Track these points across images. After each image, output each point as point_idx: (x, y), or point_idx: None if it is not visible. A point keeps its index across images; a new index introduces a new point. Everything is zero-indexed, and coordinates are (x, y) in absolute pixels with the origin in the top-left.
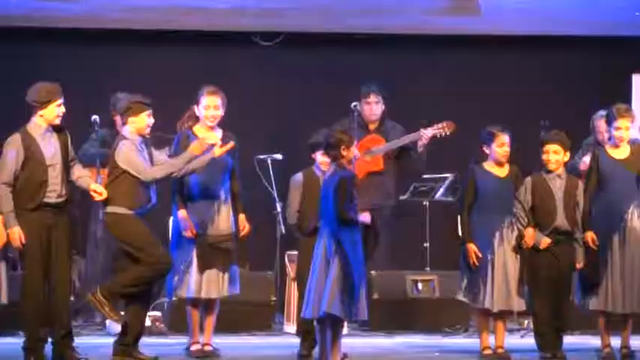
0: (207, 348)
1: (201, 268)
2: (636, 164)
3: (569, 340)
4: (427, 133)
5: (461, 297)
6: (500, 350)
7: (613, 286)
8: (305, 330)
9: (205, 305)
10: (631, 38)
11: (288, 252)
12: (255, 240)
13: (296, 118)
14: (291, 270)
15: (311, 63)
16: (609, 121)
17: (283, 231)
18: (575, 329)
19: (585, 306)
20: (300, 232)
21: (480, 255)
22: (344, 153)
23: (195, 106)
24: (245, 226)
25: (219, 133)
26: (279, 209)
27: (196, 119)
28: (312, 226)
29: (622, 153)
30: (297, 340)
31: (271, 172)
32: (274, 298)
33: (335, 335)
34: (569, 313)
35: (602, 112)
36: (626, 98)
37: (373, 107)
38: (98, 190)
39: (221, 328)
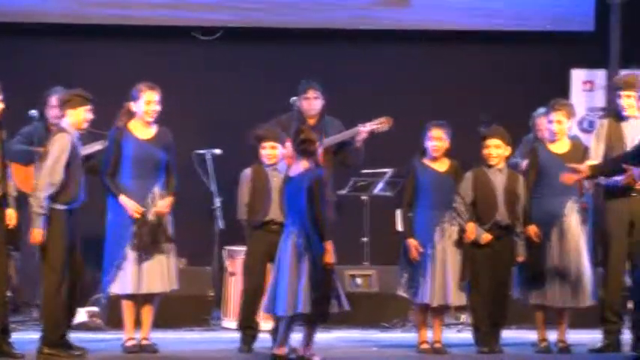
0: (144, 343)
1: (139, 263)
2: (575, 159)
3: (507, 334)
4: (365, 128)
5: (401, 292)
6: (437, 345)
7: (551, 280)
8: (246, 325)
9: (144, 300)
10: (570, 33)
11: (227, 247)
12: (194, 235)
13: (235, 113)
14: (229, 265)
15: (250, 58)
16: (547, 117)
17: (222, 226)
18: (512, 324)
19: (525, 300)
20: (250, 227)
21: (421, 250)
22: (315, 148)
23: (132, 102)
24: (165, 207)
25: (154, 129)
26: (217, 204)
27: (130, 115)
28: (262, 220)
29: (561, 148)
30: (234, 335)
31: (210, 167)
32: (212, 293)
33: (310, 333)
34: (507, 308)
35: (542, 110)
36: (566, 93)
37: (312, 102)
38: None
39: (158, 324)
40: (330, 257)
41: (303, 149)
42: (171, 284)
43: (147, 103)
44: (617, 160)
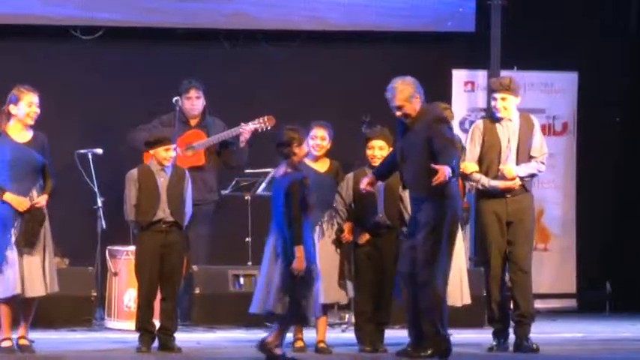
0: (22, 342)
1: (20, 265)
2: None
3: (390, 334)
4: (248, 127)
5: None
6: (321, 345)
7: None
8: (142, 327)
9: (21, 301)
10: (451, 34)
11: (109, 247)
12: (76, 234)
13: (117, 112)
14: (112, 265)
15: (132, 57)
16: None
17: (104, 225)
18: (396, 323)
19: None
20: (138, 227)
21: None
22: (296, 151)
23: (12, 105)
24: (39, 202)
25: (30, 133)
26: (100, 204)
27: (8, 119)
28: (151, 220)
29: None
30: (118, 336)
31: (92, 167)
32: (95, 294)
33: (280, 331)
34: (390, 307)
35: None
36: (447, 93)
37: (194, 102)
38: None
39: (39, 324)
40: (299, 263)
41: (280, 151)
42: (52, 286)
43: (28, 105)
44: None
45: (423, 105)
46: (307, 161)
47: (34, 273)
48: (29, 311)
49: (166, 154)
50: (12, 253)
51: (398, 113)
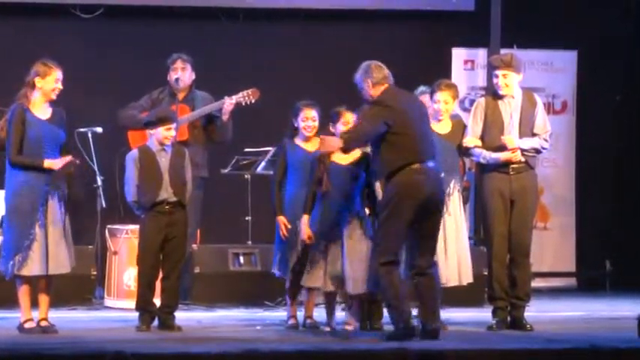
0: (45, 323)
1: (45, 244)
2: (457, 138)
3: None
4: (231, 100)
5: (275, 270)
6: (309, 320)
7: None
8: (143, 306)
9: (43, 280)
10: (451, 12)
11: (109, 226)
12: (76, 213)
13: (117, 90)
14: (112, 244)
15: (132, 36)
16: (432, 96)
17: (104, 204)
18: None
19: (406, 278)
20: (141, 209)
21: (290, 227)
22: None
23: (39, 78)
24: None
25: (50, 109)
26: (99, 183)
27: (31, 93)
28: (153, 201)
29: (444, 127)
30: (118, 314)
31: (92, 146)
32: (94, 272)
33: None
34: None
35: (423, 88)
36: (447, 72)
37: (178, 73)
38: None
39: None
40: (302, 233)
41: None
42: (72, 263)
43: (55, 81)
44: None
45: (385, 89)
46: (299, 142)
47: (59, 250)
48: (50, 291)
49: (167, 133)
50: (39, 233)
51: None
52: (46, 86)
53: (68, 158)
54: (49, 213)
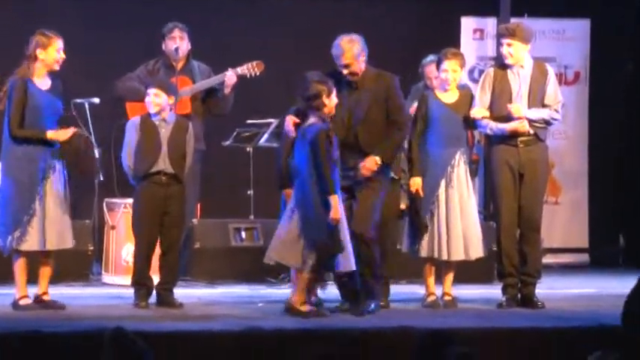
0: (47, 297)
1: (46, 219)
2: (464, 108)
3: (397, 289)
4: (235, 73)
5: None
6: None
7: (439, 232)
8: (139, 281)
9: (42, 256)
10: None
11: (107, 199)
12: (72, 187)
13: (114, 63)
14: (109, 218)
15: (130, 7)
16: (438, 65)
17: (101, 177)
18: (402, 278)
19: (414, 253)
20: (136, 178)
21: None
22: (326, 102)
23: (40, 50)
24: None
25: (49, 79)
26: (97, 155)
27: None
28: (149, 170)
29: (450, 97)
30: (117, 291)
31: (89, 117)
32: (92, 248)
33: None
34: (394, 261)
35: (432, 57)
36: (455, 41)
37: (177, 42)
38: None
39: (35, 279)
40: (335, 212)
41: (309, 105)
42: (71, 239)
43: (57, 51)
44: None
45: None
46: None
47: (62, 225)
48: (52, 265)
49: (156, 99)
50: (39, 208)
51: (345, 71)
52: (48, 57)
53: (72, 130)
54: (50, 187)
